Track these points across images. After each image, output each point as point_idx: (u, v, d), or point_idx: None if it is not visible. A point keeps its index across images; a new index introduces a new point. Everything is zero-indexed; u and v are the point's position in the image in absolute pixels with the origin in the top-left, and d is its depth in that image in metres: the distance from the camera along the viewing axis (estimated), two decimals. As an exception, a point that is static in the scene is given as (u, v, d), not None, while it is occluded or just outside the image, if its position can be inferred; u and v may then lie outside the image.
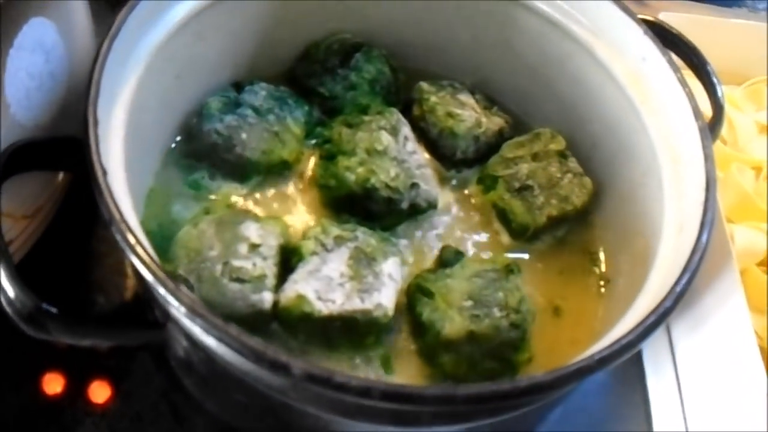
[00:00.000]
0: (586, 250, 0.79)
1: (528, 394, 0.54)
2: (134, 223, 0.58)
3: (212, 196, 0.75)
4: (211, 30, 0.74)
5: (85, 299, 0.77)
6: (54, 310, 0.57)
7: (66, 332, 0.58)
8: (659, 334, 0.83)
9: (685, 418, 0.79)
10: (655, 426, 0.78)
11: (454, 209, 0.79)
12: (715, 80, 0.75)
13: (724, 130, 0.95)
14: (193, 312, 0.53)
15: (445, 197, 0.79)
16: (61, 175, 0.75)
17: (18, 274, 0.57)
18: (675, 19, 0.96)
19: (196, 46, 0.74)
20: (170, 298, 0.53)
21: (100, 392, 0.74)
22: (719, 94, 0.75)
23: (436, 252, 0.75)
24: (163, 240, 0.69)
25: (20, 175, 0.65)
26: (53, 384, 0.74)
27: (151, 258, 0.55)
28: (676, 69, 0.71)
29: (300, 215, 0.76)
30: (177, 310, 0.53)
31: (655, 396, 0.80)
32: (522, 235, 0.76)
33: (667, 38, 0.77)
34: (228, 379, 0.61)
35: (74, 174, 0.74)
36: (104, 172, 0.57)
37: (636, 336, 0.57)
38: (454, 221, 0.78)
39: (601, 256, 0.79)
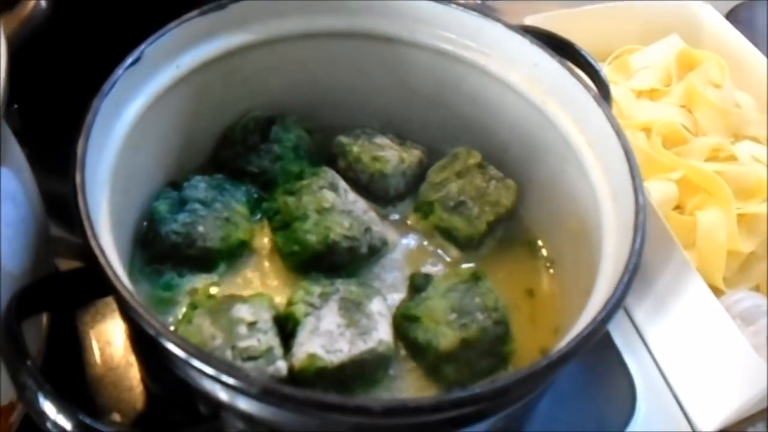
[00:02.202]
0: (525, 242, 0.93)
1: (516, 388, 0.64)
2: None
3: (187, 293, 0.82)
4: (144, 139, 0.82)
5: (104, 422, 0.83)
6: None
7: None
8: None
9: (662, 374, 0.95)
10: (639, 392, 0.94)
11: (403, 240, 0.90)
12: (595, 65, 0.89)
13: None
14: (254, 384, 0.60)
15: (390, 232, 0.90)
16: (44, 319, 0.82)
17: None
18: (538, 20, 1.14)
19: (134, 158, 0.81)
20: (226, 378, 0.61)
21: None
22: (602, 75, 0.89)
23: (401, 281, 0.86)
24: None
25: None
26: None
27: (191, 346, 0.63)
28: (566, 66, 0.84)
29: (273, 285, 0.85)
30: (241, 388, 0.61)
31: (631, 360, 0.95)
32: (469, 245, 0.89)
33: (543, 40, 0.90)
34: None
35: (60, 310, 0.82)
36: (131, 295, 0.65)
37: (621, 289, 0.69)
38: (406, 250, 0.90)
39: (539, 242, 0.92)
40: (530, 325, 0.86)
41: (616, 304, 0.69)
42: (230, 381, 0.61)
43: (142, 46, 0.80)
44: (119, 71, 0.78)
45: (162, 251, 0.84)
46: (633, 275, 0.71)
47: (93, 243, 0.67)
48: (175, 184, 0.87)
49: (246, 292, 0.84)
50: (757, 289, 1.01)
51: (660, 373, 0.95)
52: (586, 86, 0.83)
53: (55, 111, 1.00)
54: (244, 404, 0.64)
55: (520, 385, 0.64)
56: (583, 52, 0.90)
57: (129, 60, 0.79)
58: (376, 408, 0.61)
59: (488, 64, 0.90)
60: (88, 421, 0.64)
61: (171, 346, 0.63)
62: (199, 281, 0.84)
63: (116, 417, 0.84)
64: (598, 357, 0.96)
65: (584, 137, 0.84)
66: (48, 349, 0.82)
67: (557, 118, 0.86)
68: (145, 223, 0.85)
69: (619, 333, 0.99)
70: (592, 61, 0.89)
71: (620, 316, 1.00)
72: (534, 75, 0.87)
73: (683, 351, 0.94)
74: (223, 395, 0.64)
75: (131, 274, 0.83)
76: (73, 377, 0.87)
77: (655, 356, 0.96)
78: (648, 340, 0.97)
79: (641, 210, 0.75)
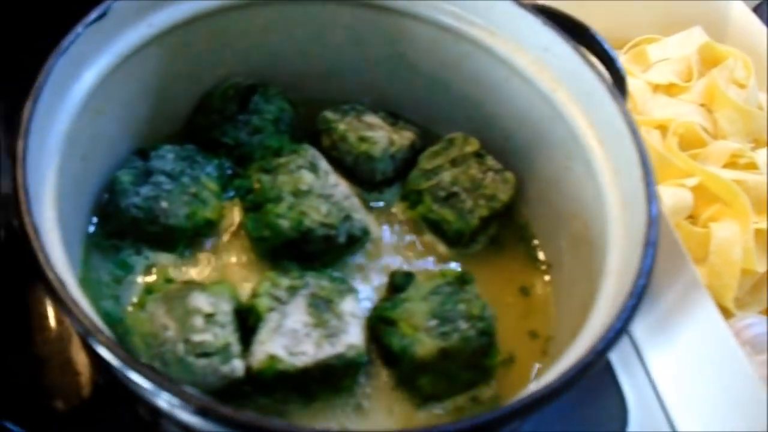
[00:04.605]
0: (522, 242, 0.81)
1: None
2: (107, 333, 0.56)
3: (144, 273, 0.72)
4: (107, 102, 0.71)
5: (43, 409, 0.73)
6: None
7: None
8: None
9: (659, 398, 0.83)
10: (631, 417, 0.82)
11: (385, 231, 0.79)
12: (611, 52, 0.77)
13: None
14: (190, 402, 0.52)
15: (373, 221, 0.79)
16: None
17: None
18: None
19: (96, 123, 0.70)
20: (170, 398, 0.52)
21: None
22: (619, 65, 0.77)
23: (380, 277, 0.75)
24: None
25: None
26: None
27: (135, 361, 0.53)
28: (580, 52, 0.73)
29: (239, 272, 0.74)
30: (177, 408, 0.52)
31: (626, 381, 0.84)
32: (459, 241, 0.78)
33: (556, 21, 0.78)
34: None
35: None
36: (62, 284, 0.55)
37: (625, 317, 0.59)
38: (388, 243, 0.79)
39: (536, 243, 0.81)
40: (521, 330, 0.75)
41: (618, 332, 0.59)
42: (165, 396, 0.52)
43: (109, 1, 0.69)
44: (80, 28, 0.67)
45: (121, 226, 0.73)
46: (639, 300, 0.60)
47: (26, 220, 0.57)
48: (143, 152, 0.76)
49: (209, 277, 0.73)
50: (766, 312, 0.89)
51: (657, 398, 0.83)
52: (601, 76, 0.71)
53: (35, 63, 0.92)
54: (184, 416, 0.54)
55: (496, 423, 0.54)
56: (598, 38, 0.78)
57: (93, 15, 0.68)
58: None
59: (495, 44, 0.78)
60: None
61: (101, 349, 0.53)
62: (158, 261, 0.73)
63: (59, 404, 0.74)
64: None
65: (595, 133, 0.72)
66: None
67: (566, 109, 0.74)
68: (106, 194, 0.74)
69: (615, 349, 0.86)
70: (608, 48, 0.77)
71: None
72: (544, 60, 0.76)
73: (685, 375, 0.82)
74: (159, 404, 0.54)
75: (87, 247, 0.72)
76: (18, 355, 0.76)
77: (653, 378, 0.84)
78: (647, 360, 0.84)
79: (653, 223, 0.64)
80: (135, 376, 0.51)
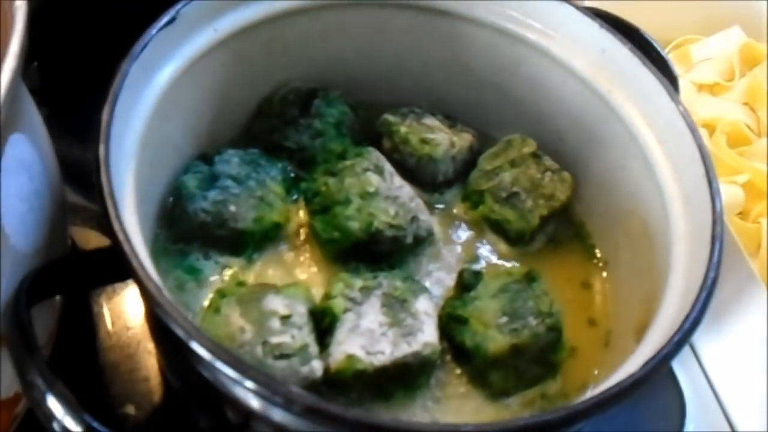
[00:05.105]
0: (578, 239, 0.81)
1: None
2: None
3: (212, 277, 0.71)
4: (174, 107, 0.71)
5: (115, 416, 0.73)
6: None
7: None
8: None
9: (715, 393, 0.83)
10: (689, 410, 0.82)
11: (447, 231, 0.79)
12: (663, 55, 0.78)
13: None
14: (297, 401, 0.51)
15: (435, 222, 0.79)
16: (58, 299, 0.71)
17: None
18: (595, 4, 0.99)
19: (163, 128, 0.70)
20: (267, 393, 0.52)
21: None
22: (672, 67, 0.78)
23: (444, 276, 0.76)
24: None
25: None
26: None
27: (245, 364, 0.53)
28: (639, 54, 0.73)
29: (307, 273, 0.74)
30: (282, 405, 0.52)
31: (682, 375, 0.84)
32: (520, 241, 0.78)
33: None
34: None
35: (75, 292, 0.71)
36: (159, 289, 0.55)
37: (700, 307, 0.60)
38: (451, 243, 0.78)
39: (592, 241, 0.81)
40: (581, 322, 0.76)
41: (694, 322, 0.59)
42: (272, 397, 0.51)
43: (178, 6, 0.69)
44: (152, 32, 0.66)
45: (189, 230, 0.72)
46: (711, 292, 0.60)
47: (117, 227, 0.57)
48: (205, 157, 0.75)
49: (277, 281, 0.72)
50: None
51: (713, 394, 0.84)
52: (659, 78, 0.72)
53: (79, 68, 0.91)
54: (280, 417, 0.54)
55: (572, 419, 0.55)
56: (650, 40, 0.78)
57: (163, 20, 0.68)
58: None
59: (551, 47, 0.78)
60: (95, 424, 0.54)
61: (204, 353, 0.53)
62: (227, 265, 0.72)
63: (130, 409, 0.73)
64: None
65: (653, 132, 0.73)
66: (58, 331, 0.71)
67: (623, 110, 0.75)
68: (171, 199, 0.73)
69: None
70: (661, 50, 0.78)
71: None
72: (601, 62, 0.76)
73: (741, 371, 0.82)
74: (256, 405, 0.54)
75: (154, 253, 0.71)
76: (84, 363, 0.76)
77: (708, 373, 0.84)
78: (701, 355, 0.85)
79: (719, 219, 0.64)
80: (244, 379, 0.51)
